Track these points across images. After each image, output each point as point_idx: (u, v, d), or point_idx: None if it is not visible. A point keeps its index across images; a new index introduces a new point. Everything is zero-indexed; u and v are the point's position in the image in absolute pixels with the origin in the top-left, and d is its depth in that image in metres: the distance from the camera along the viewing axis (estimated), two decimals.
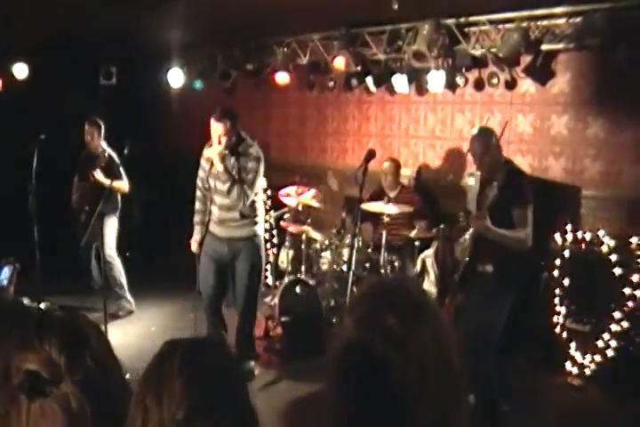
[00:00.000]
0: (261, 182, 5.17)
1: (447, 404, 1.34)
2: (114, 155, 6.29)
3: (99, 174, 6.06)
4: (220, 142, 4.68)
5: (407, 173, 6.58)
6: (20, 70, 7.48)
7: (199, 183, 5.13)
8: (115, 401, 1.37)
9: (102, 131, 6.35)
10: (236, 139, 4.81)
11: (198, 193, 5.17)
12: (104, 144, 6.36)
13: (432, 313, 1.41)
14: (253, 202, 4.98)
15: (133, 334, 5.91)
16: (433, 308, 1.43)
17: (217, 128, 4.67)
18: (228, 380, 1.35)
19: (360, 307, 1.45)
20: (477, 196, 4.43)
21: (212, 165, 4.79)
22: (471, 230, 4.37)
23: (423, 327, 1.36)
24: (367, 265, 5.90)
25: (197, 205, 5.20)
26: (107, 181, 5.89)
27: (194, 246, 5.14)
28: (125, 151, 5.70)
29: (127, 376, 1.52)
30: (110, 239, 6.33)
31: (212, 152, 4.75)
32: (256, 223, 5.07)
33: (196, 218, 5.20)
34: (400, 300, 1.41)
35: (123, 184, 6.30)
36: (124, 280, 6.41)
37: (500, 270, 4.29)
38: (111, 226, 6.36)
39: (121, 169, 6.27)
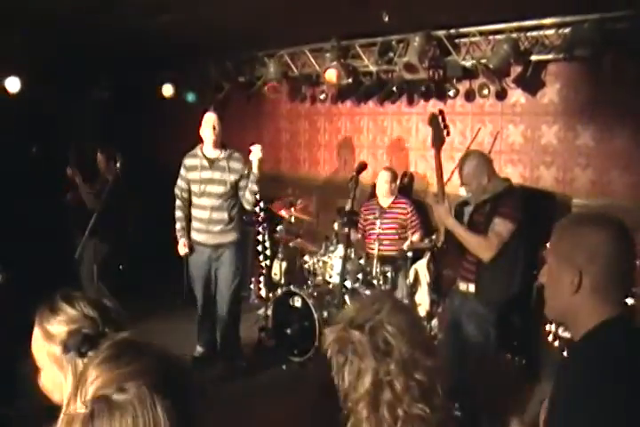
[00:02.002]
0: None
1: None
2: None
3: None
4: (214, 128, 5.24)
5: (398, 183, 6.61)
6: (13, 84, 7.47)
7: (179, 193, 5.50)
8: None
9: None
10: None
11: (178, 202, 5.52)
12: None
13: None
14: (239, 205, 5.42)
15: None
16: None
17: (211, 117, 5.28)
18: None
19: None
20: (469, 219, 4.45)
21: (199, 168, 5.30)
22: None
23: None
24: (360, 276, 5.90)
25: (178, 213, 5.52)
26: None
27: (182, 250, 5.43)
28: (118, 164, 5.70)
29: None
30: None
31: (210, 145, 5.31)
32: (238, 228, 5.42)
33: (179, 225, 5.50)
34: None
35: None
36: (112, 299, 6.32)
37: (481, 292, 4.29)
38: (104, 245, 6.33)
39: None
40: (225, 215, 5.32)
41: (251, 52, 7.33)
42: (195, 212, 5.41)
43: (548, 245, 2.00)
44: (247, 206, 5.41)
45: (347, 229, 4.93)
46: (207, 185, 5.30)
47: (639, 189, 5.05)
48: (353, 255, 5.91)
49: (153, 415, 1.18)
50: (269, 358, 5.76)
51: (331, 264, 6.04)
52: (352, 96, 6.82)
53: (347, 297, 5.56)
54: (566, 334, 5.25)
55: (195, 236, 5.41)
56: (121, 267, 6.92)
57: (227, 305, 5.38)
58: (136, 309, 6.74)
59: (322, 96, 7.08)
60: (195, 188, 5.35)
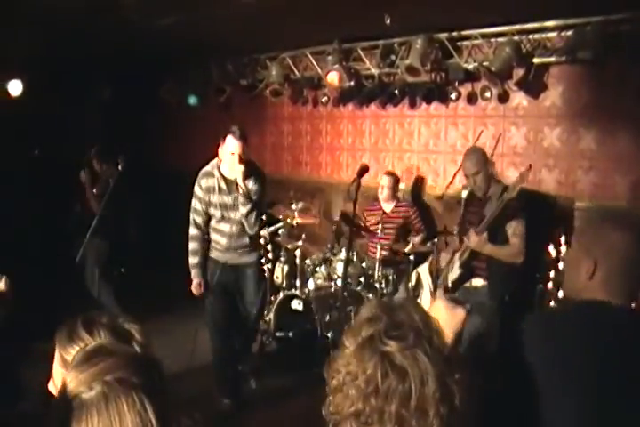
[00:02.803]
0: None
1: None
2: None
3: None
4: (240, 161, 4.42)
5: (402, 186, 6.59)
6: (15, 87, 7.48)
7: (197, 218, 4.72)
8: None
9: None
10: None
11: (195, 231, 4.74)
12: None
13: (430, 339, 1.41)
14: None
15: None
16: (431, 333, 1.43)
17: (237, 146, 4.43)
18: None
19: (360, 332, 1.45)
20: (464, 213, 4.73)
21: (217, 191, 4.59)
22: (463, 246, 4.50)
23: (422, 355, 1.35)
24: (362, 280, 5.89)
25: (194, 245, 4.76)
26: None
27: (197, 291, 4.76)
28: (120, 167, 5.69)
29: None
30: (102, 259, 6.29)
31: (233, 173, 4.49)
32: (259, 246, 5.07)
33: (195, 260, 4.76)
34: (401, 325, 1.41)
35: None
36: (110, 298, 6.32)
37: (490, 286, 4.36)
38: (104, 247, 6.33)
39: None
40: (245, 241, 4.76)
41: (252, 55, 7.33)
42: (214, 236, 4.77)
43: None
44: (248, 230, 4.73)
45: (349, 233, 4.92)
46: (227, 211, 4.66)
47: None
48: (355, 258, 5.90)
49: (118, 411, 1.29)
50: (271, 362, 5.74)
51: (333, 267, 6.02)
52: (354, 99, 6.81)
53: (349, 300, 5.55)
54: None
55: (215, 255, 4.80)
56: (122, 270, 6.91)
57: (252, 319, 4.97)
58: (137, 310, 6.80)
59: (324, 99, 7.07)
60: (214, 212, 4.69)
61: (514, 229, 4.38)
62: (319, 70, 6.70)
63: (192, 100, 8.12)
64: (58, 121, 8.01)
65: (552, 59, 5.26)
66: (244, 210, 4.54)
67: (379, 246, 5.73)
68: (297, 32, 6.08)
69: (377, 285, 5.76)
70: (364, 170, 4.43)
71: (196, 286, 4.75)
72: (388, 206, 6.18)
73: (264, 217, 5.18)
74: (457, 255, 4.64)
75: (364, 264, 5.98)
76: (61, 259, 6.39)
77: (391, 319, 1.44)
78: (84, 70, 7.65)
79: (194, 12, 5.18)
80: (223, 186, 4.60)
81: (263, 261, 7.14)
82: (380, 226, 5.83)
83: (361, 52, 6.38)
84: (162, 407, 1.35)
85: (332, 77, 6.26)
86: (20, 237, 5.96)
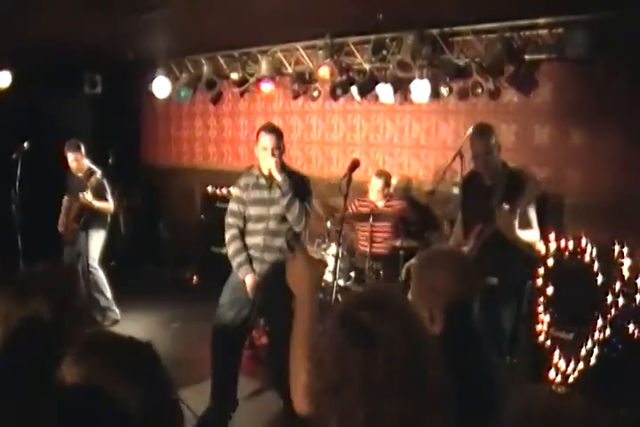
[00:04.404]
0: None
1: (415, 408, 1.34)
2: (99, 174, 6.23)
3: (88, 196, 6.03)
4: (273, 155, 4.27)
5: (393, 182, 6.60)
6: (3, 79, 7.43)
7: (232, 219, 4.50)
8: None
9: (83, 150, 6.28)
10: None
11: (233, 231, 4.48)
12: (88, 162, 6.33)
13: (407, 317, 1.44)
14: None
15: None
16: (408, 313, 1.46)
17: (269, 140, 4.30)
18: None
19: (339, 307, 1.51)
20: (472, 201, 4.28)
21: (255, 187, 4.41)
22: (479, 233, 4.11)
23: (396, 327, 1.38)
24: (352, 274, 5.90)
25: (235, 245, 4.45)
26: (95, 203, 6.02)
27: (253, 288, 4.33)
28: (109, 161, 5.69)
29: None
30: (94, 251, 6.29)
31: (267, 166, 4.32)
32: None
33: (239, 259, 4.42)
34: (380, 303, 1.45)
35: (108, 206, 6.29)
36: (107, 290, 6.37)
37: (504, 282, 4.25)
38: (97, 239, 6.33)
39: (107, 190, 6.27)
40: (282, 241, 4.39)
41: (244, 50, 7.30)
42: (249, 239, 4.48)
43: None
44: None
45: (339, 227, 4.92)
46: (266, 207, 4.42)
47: (631, 189, 5.08)
48: (345, 253, 5.91)
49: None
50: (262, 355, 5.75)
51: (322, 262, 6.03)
52: (345, 94, 6.81)
53: (339, 295, 5.56)
54: (558, 334, 5.28)
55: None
56: (112, 263, 6.91)
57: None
58: (131, 304, 6.80)
59: (315, 93, 7.07)
60: (251, 210, 4.45)
61: (532, 213, 4.10)
62: (310, 65, 6.69)
63: (183, 93, 8.08)
64: (47, 113, 7.98)
65: (543, 56, 5.28)
66: (284, 201, 4.32)
67: (369, 241, 5.74)
68: (288, 26, 6.07)
69: (367, 279, 5.77)
70: (355, 165, 4.42)
71: (252, 285, 4.33)
72: (380, 202, 6.20)
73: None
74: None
75: (354, 259, 6.00)
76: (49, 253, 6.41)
77: (368, 295, 1.53)
78: (73, 64, 7.62)
79: (183, 6, 5.17)
80: (262, 181, 4.42)
81: None
82: (370, 220, 5.83)
83: (352, 47, 6.38)
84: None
85: (324, 72, 6.27)
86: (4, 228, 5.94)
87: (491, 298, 4.21)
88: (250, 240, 4.47)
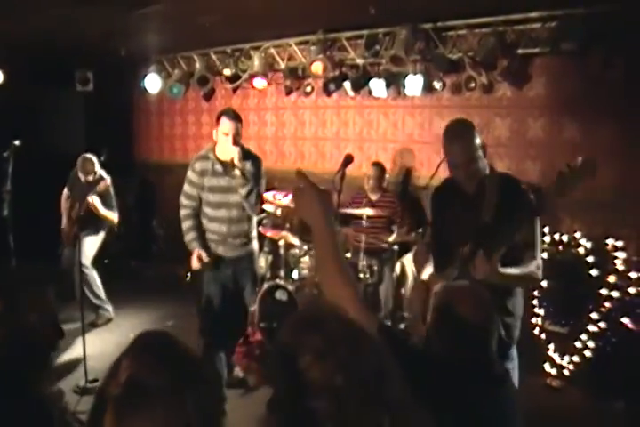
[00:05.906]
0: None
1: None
2: (109, 181, 6.15)
3: (97, 201, 5.98)
4: (234, 142, 4.34)
5: (387, 177, 6.60)
6: None
7: (187, 202, 4.59)
8: None
9: (96, 162, 6.18)
10: None
11: (187, 211, 4.59)
12: (99, 168, 6.22)
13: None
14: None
15: (112, 342, 5.84)
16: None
17: (231, 126, 4.34)
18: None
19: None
20: (450, 216, 3.34)
21: (212, 173, 4.46)
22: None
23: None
24: None
25: (188, 223, 4.58)
26: (102, 211, 5.99)
27: (196, 263, 4.48)
28: (102, 157, 5.66)
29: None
30: (89, 251, 6.24)
31: (228, 154, 4.35)
32: (254, 237, 4.80)
33: (192, 235, 4.54)
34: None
35: (113, 216, 6.24)
36: (99, 290, 6.32)
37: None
38: (94, 240, 6.28)
39: (114, 199, 6.24)
40: (245, 227, 4.62)
41: (236, 45, 7.28)
42: (210, 226, 4.58)
43: None
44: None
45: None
46: (224, 194, 4.50)
47: (625, 184, 5.08)
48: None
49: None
50: (256, 351, 5.74)
51: None
52: (338, 89, 6.80)
53: None
54: (553, 328, 5.29)
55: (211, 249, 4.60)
56: (105, 261, 6.88)
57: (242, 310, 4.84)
58: (124, 303, 6.78)
59: (307, 89, 7.06)
60: (209, 197, 4.54)
61: (527, 233, 3.09)
62: (303, 60, 6.67)
63: (175, 89, 8.06)
64: (39, 111, 7.94)
65: (536, 49, 5.28)
66: (243, 191, 4.41)
67: (363, 236, 5.73)
68: (281, 22, 6.05)
69: (361, 275, 5.76)
70: (348, 160, 4.41)
71: (195, 258, 4.47)
72: (374, 196, 6.19)
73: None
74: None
75: (348, 254, 5.99)
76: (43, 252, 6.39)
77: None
78: (66, 60, 7.58)
79: (175, 1, 5.15)
80: (218, 168, 4.45)
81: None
82: (365, 215, 5.82)
83: (345, 42, 6.36)
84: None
85: (317, 67, 6.25)
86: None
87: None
88: (212, 226, 4.59)
